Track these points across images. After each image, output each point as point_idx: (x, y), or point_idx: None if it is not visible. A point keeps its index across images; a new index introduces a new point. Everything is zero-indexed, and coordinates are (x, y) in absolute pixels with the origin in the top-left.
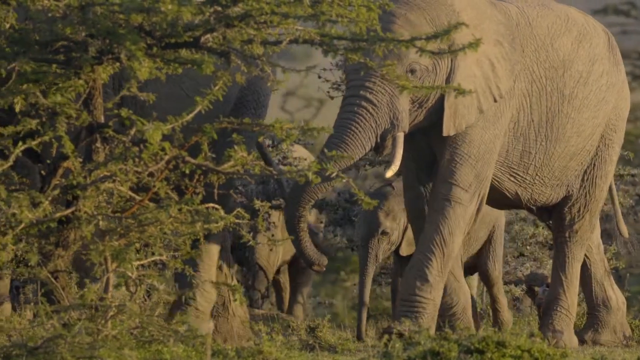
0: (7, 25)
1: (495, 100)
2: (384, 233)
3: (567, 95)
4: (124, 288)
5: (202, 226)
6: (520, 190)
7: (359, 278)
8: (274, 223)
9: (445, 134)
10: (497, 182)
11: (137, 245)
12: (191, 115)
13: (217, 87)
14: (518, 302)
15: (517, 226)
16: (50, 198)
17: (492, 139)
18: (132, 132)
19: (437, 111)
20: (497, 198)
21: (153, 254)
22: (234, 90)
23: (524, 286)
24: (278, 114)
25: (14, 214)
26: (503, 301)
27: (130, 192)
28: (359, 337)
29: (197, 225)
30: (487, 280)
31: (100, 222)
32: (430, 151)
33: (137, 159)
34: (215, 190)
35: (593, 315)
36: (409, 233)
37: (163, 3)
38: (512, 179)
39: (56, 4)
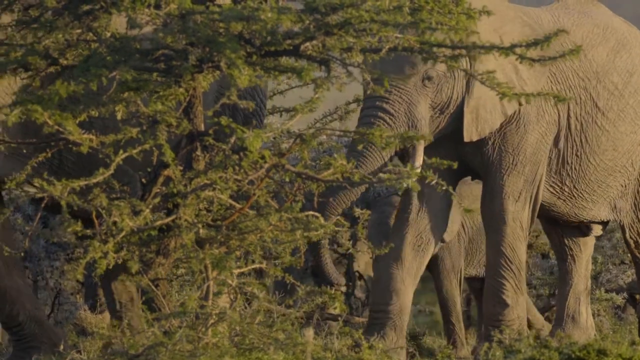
0: (108, 34)
1: (520, 104)
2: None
3: (601, 107)
4: (224, 296)
5: (302, 234)
6: (560, 202)
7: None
8: None
9: (467, 139)
10: (546, 202)
11: (237, 253)
12: (291, 122)
13: (316, 95)
14: (620, 311)
15: (619, 234)
16: (150, 206)
17: (539, 139)
18: (232, 140)
19: (460, 117)
20: (554, 217)
21: (253, 261)
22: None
23: (625, 294)
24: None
25: (115, 222)
26: None
27: (230, 200)
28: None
29: (297, 233)
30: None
31: (201, 230)
32: (455, 159)
33: (237, 167)
34: (315, 199)
35: (559, 326)
36: None
37: (263, 11)
38: (550, 189)
39: (157, 13)
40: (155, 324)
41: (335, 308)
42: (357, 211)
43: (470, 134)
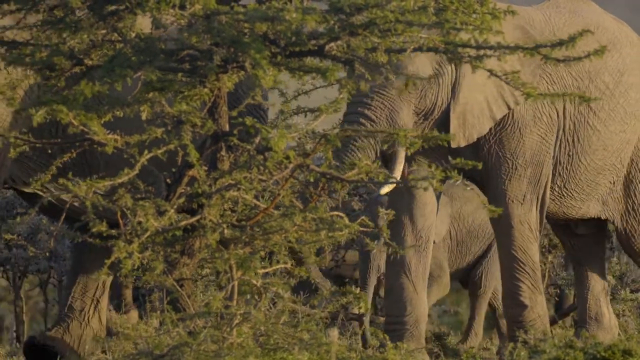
0: (133, 35)
1: (509, 108)
2: (386, 243)
3: (592, 106)
4: (248, 296)
5: (326, 234)
6: (549, 202)
7: (360, 289)
8: None
9: (454, 145)
10: None
11: (262, 253)
12: (315, 123)
13: (341, 95)
14: None
15: None
16: (175, 206)
17: (539, 141)
18: (257, 140)
19: (445, 123)
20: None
21: (278, 262)
22: None
23: None
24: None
25: (139, 222)
26: (479, 319)
27: (254, 201)
28: (364, 346)
29: (321, 234)
30: (473, 294)
31: (225, 231)
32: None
33: (261, 167)
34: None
35: (582, 328)
36: None
37: (288, 11)
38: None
39: (181, 13)
40: (180, 324)
41: (360, 308)
42: (382, 211)
43: (457, 139)
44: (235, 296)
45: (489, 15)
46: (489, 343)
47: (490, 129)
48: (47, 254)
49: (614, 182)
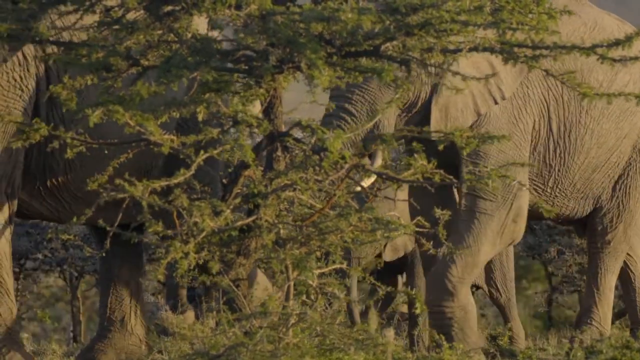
0: (189, 35)
1: (496, 102)
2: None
3: (584, 105)
4: (305, 296)
5: (382, 234)
6: (541, 202)
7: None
8: None
9: (434, 137)
10: None
11: (318, 253)
12: (371, 123)
13: (397, 95)
14: None
15: None
16: (231, 207)
17: (514, 147)
18: (313, 140)
19: (427, 115)
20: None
21: (334, 262)
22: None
23: None
24: None
25: (195, 223)
26: (516, 324)
27: (310, 201)
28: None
29: (377, 234)
30: (495, 301)
31: (281, 231)
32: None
33: (317, 168)
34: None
35: (637, 329)
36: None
37: (343, 12)
38: (532, 191)
39: (237, 14)
40: (236, 324)
41: (416, 308)
42: (438, 212)
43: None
44: (291, 296)
45: (545, 15)
46: (545, 343)
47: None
48: (104, 254)
49: (610, 177)
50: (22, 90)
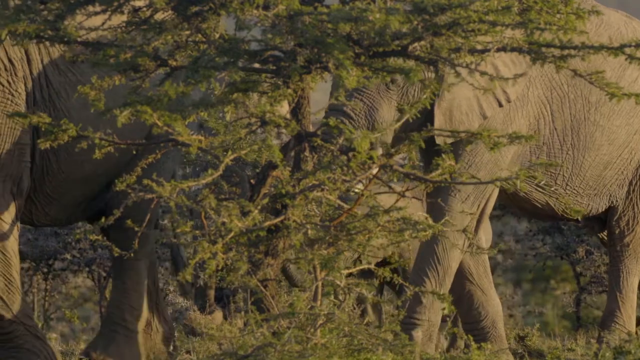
0: (217, 35)
1: (501, 105)
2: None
3: (593, 102)
4: (332, 296)
5: (410, 234)
6: (552, 201)
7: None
8: None
9: (439, 142)
10: (524, 193)
11: (346, 253)
12: (399, 123)
13: (425, 96)
14: None
15: None
16: (259, 207)
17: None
18: (340, 140)
19: (428, 119)
20: (530, 209)
21: (362, 262)
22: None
23: None
24: None
25: (223, 223)
26: None
27: (338, 201)
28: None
29: (405, 234)
30: None
31: (309, 231)
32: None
33: (345, 168)
34: (424, 200)
35: None
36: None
37: (371, 12)
38: (539, 189)
39: (265, 14)
40: (264, 325)
41: (443, 309)
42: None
43: (443, 137)
44: (319, 296)
45: (573, 15)
46: (573, 344)
47: None
48: (132, 254)
49: (623, 173)
50: (13, 95)
